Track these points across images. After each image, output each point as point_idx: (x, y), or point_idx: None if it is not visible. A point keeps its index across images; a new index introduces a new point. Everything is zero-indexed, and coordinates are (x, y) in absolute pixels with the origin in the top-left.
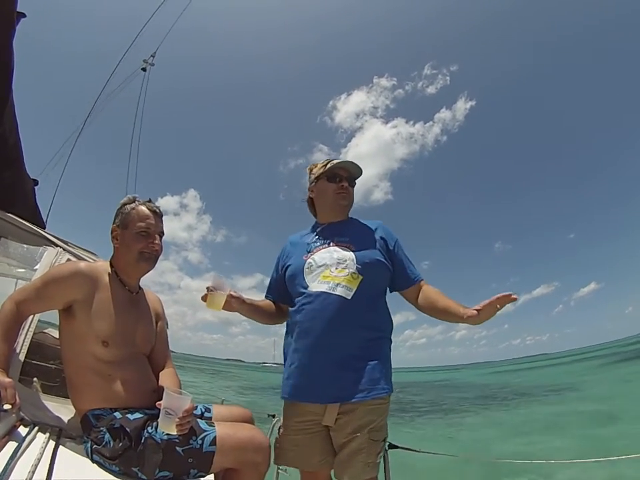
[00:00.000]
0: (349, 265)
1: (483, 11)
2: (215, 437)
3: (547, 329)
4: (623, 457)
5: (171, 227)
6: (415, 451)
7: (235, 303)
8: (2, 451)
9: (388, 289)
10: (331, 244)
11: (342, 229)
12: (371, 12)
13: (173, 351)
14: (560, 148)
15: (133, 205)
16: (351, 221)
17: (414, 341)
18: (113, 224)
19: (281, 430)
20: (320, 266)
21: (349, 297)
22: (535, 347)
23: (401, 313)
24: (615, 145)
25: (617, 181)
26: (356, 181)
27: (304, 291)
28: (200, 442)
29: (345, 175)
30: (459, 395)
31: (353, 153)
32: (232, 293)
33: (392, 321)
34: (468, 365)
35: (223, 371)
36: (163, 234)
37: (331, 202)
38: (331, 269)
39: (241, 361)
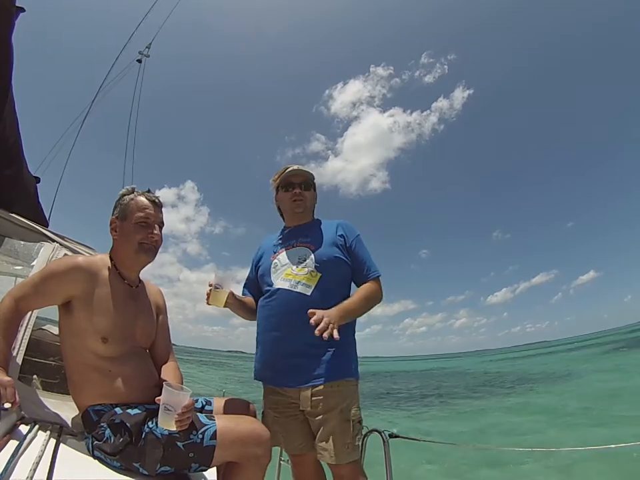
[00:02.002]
0: (308, 264)
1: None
2: (215, 431)
3: (546, 317)
4: (622, 444)
5: (169, 219)
6: (416, 439)
7: (230, 299)
8: (3, 450)
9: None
10: (295, 244)
11: (305, 230)
12: (367, 1)
13: (174, 344)
14: (559, 136)
15: (131, 196)
16: (314, 222)
17: (413, 329)
18: (112, 215)
19: (264, 412)
20: (283, 265)
21: (309, 294)
22: (535, 334)
23: (400, 302)
24: (615, 134)
25: (616, 169)
26: (314, 181)
27: (269, 288)
28: (200, 436)
29: (298, 180)
30: (459, 382)
31: (349, 142)
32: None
33: None
34: (468, 352)
35: (225, 363)
36: (163, 224)
37: (289, 210)
38: (292, 268)
39: (243, 352)
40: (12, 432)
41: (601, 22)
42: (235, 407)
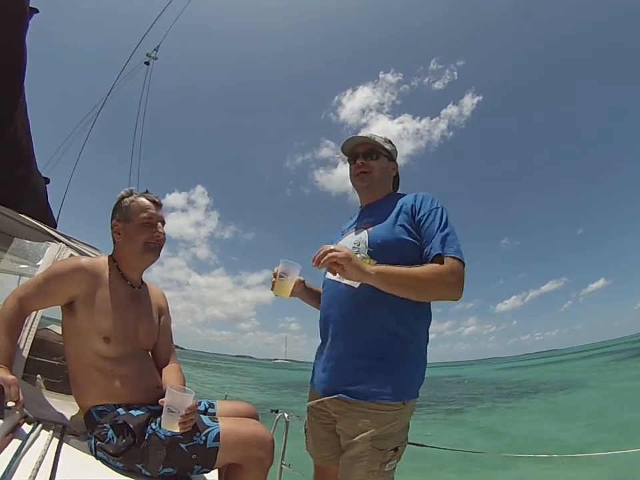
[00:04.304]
0: (361, 249)
1: (490, 4)
2: (218, 433)
3: (556, 325)
4: (631, 450)
5: (179, 224)
6: (421, 445)
7: (297, 287)
8: (6, 449)
9: None
10: (358, 226)
11: (374, 209)
12: (375, 7)
13: (182, 348)
14: (568, 143)
15: (132, 198)
16: (388, 197)
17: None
18: (113, 219)
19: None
20: None
21: (356, 285)
22: (544, 343)
23: None
24: (625, 137)
25: (626, 175)
26: (390, 148)
27: (324, 278)
28: (203, 438)
29: (362, 150)
30: (469, 390)
31: None
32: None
33: (424, 313)
34: (477, 360)
35: (234, 368)
36: (165, 222)
37: (354, 186)
38: None
39: (251, 357)
40: (15, 431)
41: (614, 22)
42: (238, 409)
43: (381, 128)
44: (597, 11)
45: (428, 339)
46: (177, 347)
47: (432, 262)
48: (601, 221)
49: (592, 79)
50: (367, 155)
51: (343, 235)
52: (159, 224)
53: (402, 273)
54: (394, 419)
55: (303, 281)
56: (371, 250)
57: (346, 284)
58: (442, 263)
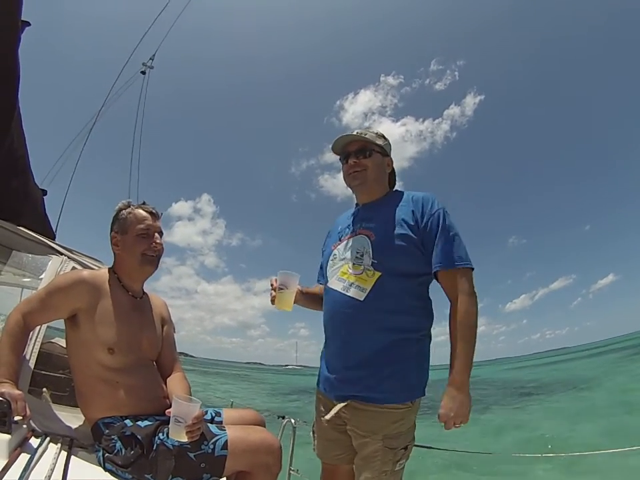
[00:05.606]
0: (365, 261)
1: (489, 3)
2: (226, 441)
3: (566, 323)
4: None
5: (186, 232)
6: (429, 447)
7: (296, 296)
8: (15, 463)
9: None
10: (357, 231)
11: (372, 211)
12: (374, 9)
13: (192, 356)
14: (574, 140)
15: (129, 210)
16: (387, 197)
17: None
18: (112, 231)
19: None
20: (341, 259)
21: (362, 299)
22: (555, 341)
23: None
24: (631, 133)
25: (630, 170)
26: (383, 143)
27: (325, 285)
28: (212, 446)
29: (354, 148)
30: (480, 391)
31: None
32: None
33: (427, 315)
34: (487, 361)
35: (244, 375)
36: (162, 233)
37: (348, 184)
38: (349, 265)
39: (262, 364)
40: (23, 445)
41: (613, 22)
42: (244, 417)
43: (384, 130)
44: (597, 11)
45: (431, 337)
46: (187, 355)
47: (437, 273)
48: (608, 216)
49: (597, 74)
50: (358, 153)
51: (340, 239)
52: (156, 235)
53: (469, 356)
54: (402, 417)
55: (301, 291)
56: (375, 262)
57: (350, 296)
58: (450, 277)
